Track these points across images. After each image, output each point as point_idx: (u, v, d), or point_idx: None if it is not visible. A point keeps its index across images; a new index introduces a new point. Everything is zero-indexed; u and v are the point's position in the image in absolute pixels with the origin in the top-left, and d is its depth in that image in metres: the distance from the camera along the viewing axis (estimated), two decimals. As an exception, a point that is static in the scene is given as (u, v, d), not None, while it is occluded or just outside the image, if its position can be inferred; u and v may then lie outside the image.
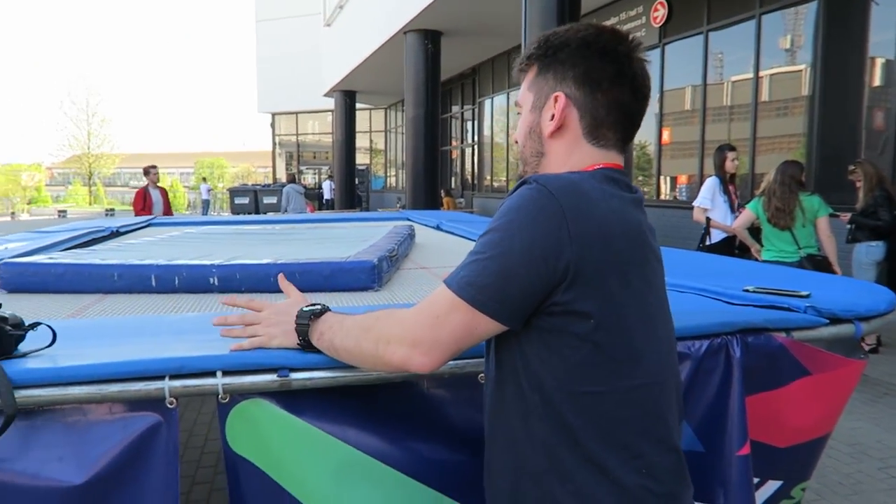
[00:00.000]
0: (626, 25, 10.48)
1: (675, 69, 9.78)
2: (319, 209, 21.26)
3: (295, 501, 1.16)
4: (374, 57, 15.86)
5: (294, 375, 1.13)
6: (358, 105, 22.01)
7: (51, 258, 2.23)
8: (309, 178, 27.47)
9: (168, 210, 8.79)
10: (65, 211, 33.80)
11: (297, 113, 29.35)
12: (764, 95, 8.24)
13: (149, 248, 2.74)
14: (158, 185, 8.79)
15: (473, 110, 17.91)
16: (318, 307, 1.16)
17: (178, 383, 1.09)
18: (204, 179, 30.71)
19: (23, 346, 1.15)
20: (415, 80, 12.44)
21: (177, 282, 2.09)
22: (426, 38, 12.29)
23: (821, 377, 1.46)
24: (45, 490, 1.07)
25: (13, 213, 33.74)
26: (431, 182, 12.76)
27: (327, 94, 21.93)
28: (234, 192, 25.06)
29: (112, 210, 34.74)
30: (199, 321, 1.48)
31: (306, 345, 1.15)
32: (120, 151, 48.59)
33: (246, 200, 23.92)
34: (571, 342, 0.95)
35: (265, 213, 23.43)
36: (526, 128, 1.12)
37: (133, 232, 4.51)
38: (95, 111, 45.94)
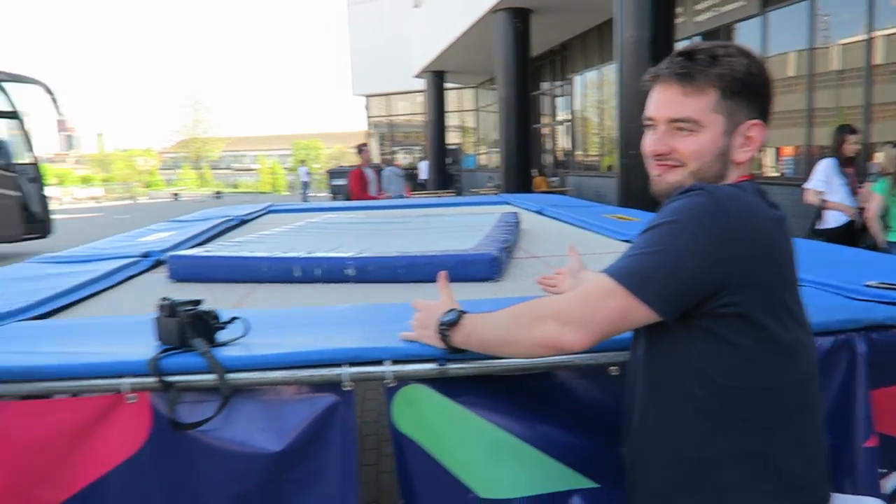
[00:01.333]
0: (729, -6, 10.06)
1: (778, 35, 9.32)
2: (414, 190, 21.69)
3: (452, 476, 1.33)
4: (463, 37, 15.93)
5: (450, 365, 1.30)
6: (447, 84, 22.17)
7: (208, 251, 2.52)
8: (400, 159, 27.99)
9: (380, 189, 8.29)
10: (178, 193, 36.03)
11: (388, 95, 29.86)
12: (878, 58, 7.72)
13: (283, 239, 3.00)
14: (372, 163, 8.16)
15: (564, 87, 17.68)
16: (453, 315, 1.26)
17: (354, 370, 1.29)
18: (302, 162, 31.91)
19: (220, 337, 1.37)
20: (504, 59, 12.45)
21: (317, 273, 2.32)
22: (515, 17, 12.25)
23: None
24: (251, 455, 1.29)
25: (133, 197, 36.32)
26: (524, 161, 12.79)
27: (418, 76, 22.21)
28: (331, 174, 25.90)
29: (220, 193, 36.72)
30: (358, 312, 1.69)
31: (451, 349, 1.27)
32: (224, 136, 51.12)
33: (343, 181, 24.66)
34: (740, 341, 1.04)
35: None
36: (714, 150, 1.13)
37: (256, 219, 4.87)
38: (201, 98, 48.30)
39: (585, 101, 16.52)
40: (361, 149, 8.43)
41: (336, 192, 24.72)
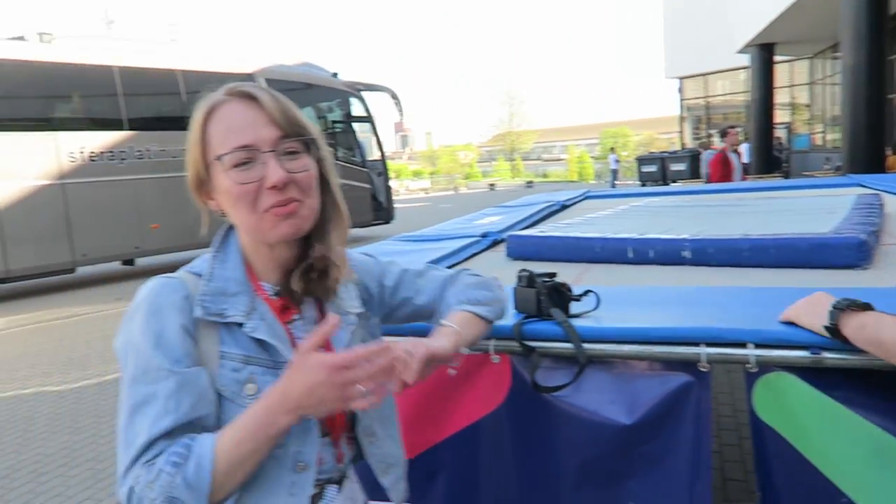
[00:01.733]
0: None
1: None
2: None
3: (821, 476, 1.20)
4: (799, 1, 14.13)
5: (826, 354, 1.17)
6: (776, 58, 19.94)
7: (542, 231, 2.65)
8: (716, 142, 26.06)
9: (744, 175, 7.68)
10: (493, 184, 38.73)
11: (705, 75, 28.00)
12: None
13: (611, 221, 3.02)
14: (736, 148, 7.69)
15: (934, 47, 14.60)
16: (853, 302, 1.10)
17: (713, 350, 1.23)
18: (612, 150, 31.76)
19: (573, 308, 1.43)
20: (854, 20, 10.70)
21: (651, 254, 2.28)
22: (872, -33, 10.45)
23: None
24: (600, 425, 1.33)
25: (455, 188, 40.04)
26: (875, 138, 10.90)
27: (741, 51, 20.37)
28: (641, 161, 25.25)
29: (531, 182, 38.53)
30: (711, 294, 1.63)
31: (833, 331, 1.12)
32: (536, 128, 53.29)
33: (653, 168, 23.90)
34: None
35: (673, 181, 23.12)
36: None
37: (575, 205, 4.98)
38: (516, 93, 50.93)
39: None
40: (726, 131, 7.72)
41: (646, 180, 24.06)
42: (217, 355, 0.95)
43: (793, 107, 25.15)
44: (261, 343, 0.97)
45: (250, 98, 0.96)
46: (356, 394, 0.87)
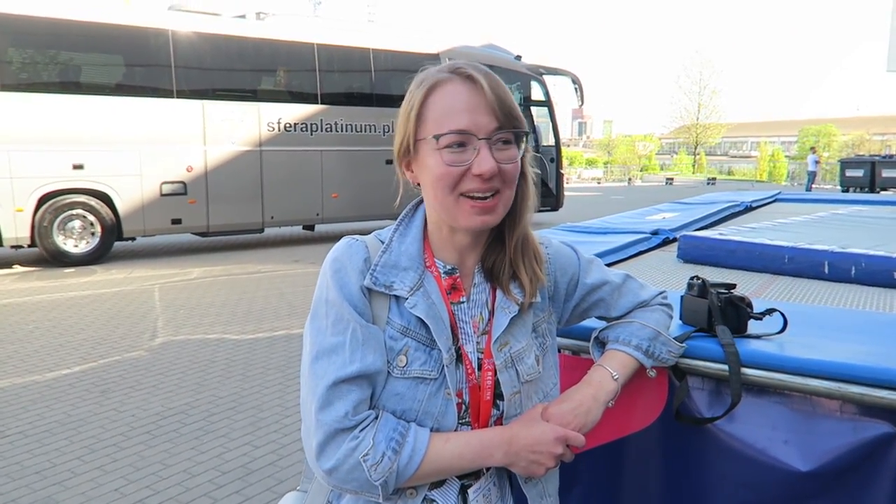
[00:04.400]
0: None
1: None
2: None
3: None
4: None
5: None
6: None
7: (721, 234, 2.39)
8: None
9: None
10: (671, 179, 36.75)
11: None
12: None
13: (805, 229, 2.66)
14: None
15: None
16: None
17: (930, 401, 1.00)
18: (812, 149, 28.65)
19: (754, 329, 1.24)
20: None
21: (853, 272, 1.96)
22: None
23: None
24: (768, 466, 1.13)
25: (629, 179, 38.58)
26: None
27: None
28: (845, 164, 22.74)
29: (713, 179, 36.06)
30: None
31: None
32: (726, 121, 49.69)
33: (860, 173, 21.42)
34: None
35: (883, 189, 20.46)
36: None
37: (763, 207, 4.51)
38: (707, 83, 47.82)
39: None
40: None
41: (849, 185, 21.51)
42: (384, 321, 0.99)
43: None
44: (420, 320, 0.98)
45: (473, 82, 0.95)
46: (556, 465, 0.97)
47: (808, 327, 1.28)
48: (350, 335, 0.95)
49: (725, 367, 1.16)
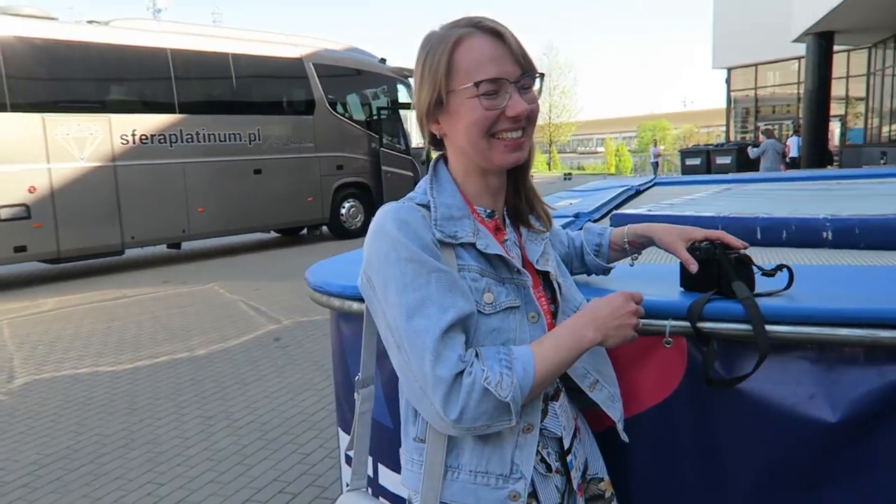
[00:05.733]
0: None
1: None
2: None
3: None
4: (866, -14, 13.53)
5: None
6: (835, 47, 19.21)
7: (650, 210, 2.44)
8: (761, 137, 25.32)
9: None
10: (532, 175, 38.23)
11: (756, 65, 27.19)
12: None
13: (719, 201, 2.79)
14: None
15: None
16: None
17: (957, 336, 1.02)
18: (654, 142, 31.00)
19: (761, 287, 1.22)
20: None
21: (784, 235, 2.05)
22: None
23: None
24: (797, 422, 1.12)
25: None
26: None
27: (797, 40, 19.67)
28: (685, 153, 24.69)
29: (569, 174, 37.98)
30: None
31: None
32: (575, 119, 52.53)
33: (697, 161, 23.34)
34: None
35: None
36: None
37: (647, 191, 4.74)
38: (557, 84, 50.24)
39: None
40: None
41: (688, 173, 23.44)
42: (456, 269, 1.02)
43: (847, 99, 24.29)
44: (488, 258, 1.05)
45: (496, 34, 1.03)
46: (638, 323, 1.04)
47: (816, 282, 1.29)
48: (435, 285, 0.96)
49: (741, 326, 1.14)
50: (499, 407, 0.94)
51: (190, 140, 10.51)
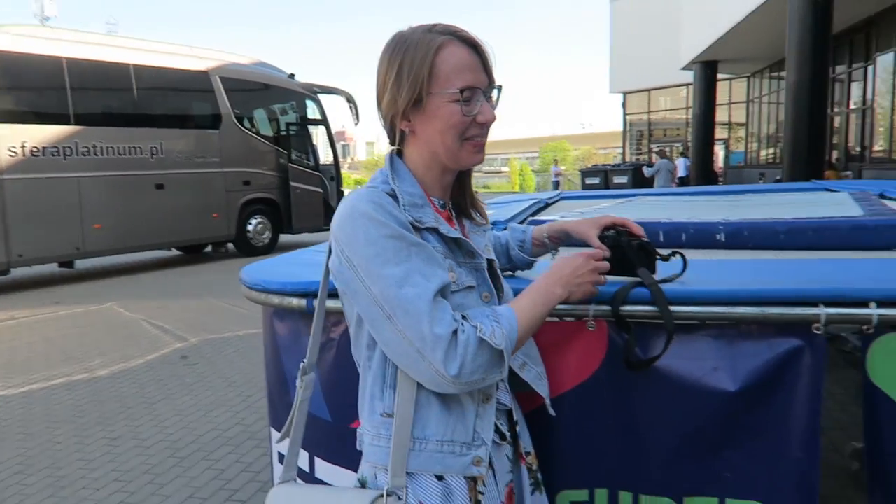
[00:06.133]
0: None
1: None
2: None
3: None
4: (744, 21, 14.74)
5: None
6: (718, 75, 20.74)
7: (562, 217, 2.59)
8: (654, 157, 26.92)
9: None
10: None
11: (649, 90, 28.87)
12: None
13: (623, 211, 2.99)
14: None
15: (865, 69, 15.48)
16: None
17: (833, 311, 1.19)
18: (555, 161, 32.25)
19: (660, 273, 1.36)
20: (799, 40, 11.21)
21: (683, 238, 2.25)
22: (815, -10, 10.96)
23: None
24: (703, 393, 1.27)
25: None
26: (815, 153, 11.41)
27: (685, 68, 21.10)
28: (585, 173, 25.75)
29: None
30: (793, 266, 1.58)
31: None
32: (481, 140, 53.53)
33: (597, 180, 24.39)
34: None
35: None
36: None
37: (554, 204, 4.97)
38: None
39: (893, 84, 14.29)
40: None
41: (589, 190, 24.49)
42: None
43: (730, 124, 26.19)
44: (448, 242, 1.14)
45: (473, 45, 1.12)
46: (601, 280, 1.21)
47: (706, 270, 1.45)
48: (416, 258, 1.04)
49: (650, 308, 1.27)
50: (493, 357, 1.03)
51: (86, 153, 9.97)
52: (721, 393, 1.25)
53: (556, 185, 29.96)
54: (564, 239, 1.47)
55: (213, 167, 11.58)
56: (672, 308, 1.25)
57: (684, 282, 1.35)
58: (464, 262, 1.15)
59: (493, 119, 1.13)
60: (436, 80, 1.08)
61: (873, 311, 1.17)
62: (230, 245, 12.63)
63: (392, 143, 1.18)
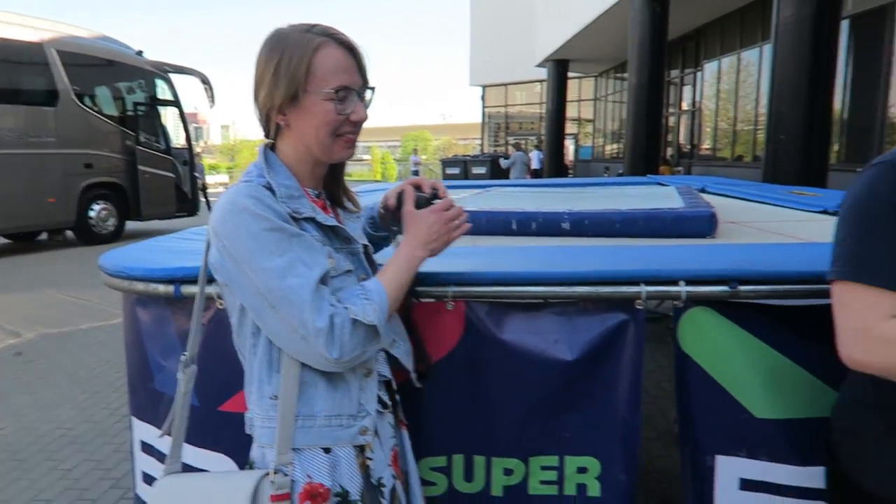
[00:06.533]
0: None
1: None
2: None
3: (730, 397, 1.42)
4: (593, 23, 15.73)
5: (741, 288, 1.38)
6: (569, 73, 21.96)
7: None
8: (511, 149, 28.07)
9: None
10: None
11: (506, 85, 29.96)
12: None
13: (478, 200, 3.17)
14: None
15: (695, 74, 17.08)
16: None
17: (652, 288, 1.39)
18: (415, 150, 32.56)
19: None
20: (639, 44, 12.18)
21: (533, 226, 2.45)
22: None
23: None
24: (547, 363, 1.44)
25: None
26: (652, 150, 12.48)
27: (540, 65, 22.13)
28: (445, 163, 26.30)
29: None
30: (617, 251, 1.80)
31: None
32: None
33: (457, 170, 24.99)
34: None
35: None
36: None
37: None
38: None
39: (717, 89, 15.89)
40: None
41: (449, 181, 25.05)
42: None
43: (579, 120, 27.82)
44: (325, 231, 1.20)
45: (349, 48, 1.18)
46: (456, 227, 1.28)
47: (544, 255, 1.62)
48: (298, 248, 1.10)
49: (492, 289, 1.42)
50: (368, 333, 1.12)
51: None
52: (561, 363, 1.43)
53: (416, 174, 30.36)
54: (385, 207, 1.45)
55: (48, 148, 10.60)
56: (520, 288, 1.41)
57: (531, 264, 1.52)
58: (341, 247, 1.22)
59: (365, 118, 1.20)
60: (312, 78, 1.14)
61: (682, 289, 1.39)
62: (69, 232, 11.66)
63: (266, 136, 1.22)
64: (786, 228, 2.38)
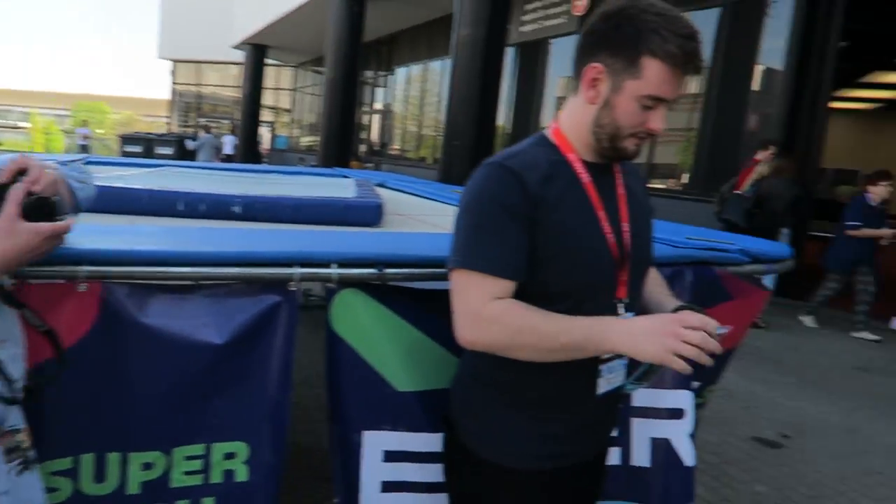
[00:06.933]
0: (548, 11, 11.06)
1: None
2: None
3: (376, 373, 1.51)
4: (294, 13, 15.61)
5: (387, 271, 1.48)
6: (267, 61, 21.49)
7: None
8: (201, 132, 26.48)
9: None
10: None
11: (200, 62, 28.12)
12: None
13: (149, 179, 2.91)
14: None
15: (388, 77, 18.06)
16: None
17: (304, 270, 1.42)
18: (84, 123, 28.36)
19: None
20: (337, 41, 12.42)
21: (202, 208, 2.33)
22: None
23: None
24: (193, 347, 1.37)
25: None
26: (345, 144, 12.85)
27: (237, 47, 21.25)
28: (125, 139, 23.77)
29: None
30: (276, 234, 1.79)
31: None
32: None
33: (138, 149, 22.75)
34: None
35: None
36: None
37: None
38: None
39: (407, 93, 17.01)
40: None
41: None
42: None
43: (276, 109, 27.44)
44: None
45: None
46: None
47: (195, 237, 1.55)
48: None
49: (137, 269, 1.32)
50: None
51: None
52: (208, 346, 1.37)
53: (84, 148, 26.69)
54: None
55: None
56: (165, 269, 1.32)
57: (182, 244, 1.44)
58: None
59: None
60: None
61: (333, 271, 1.44)
62: None
63: None
64: (439, 221, 2.63)
